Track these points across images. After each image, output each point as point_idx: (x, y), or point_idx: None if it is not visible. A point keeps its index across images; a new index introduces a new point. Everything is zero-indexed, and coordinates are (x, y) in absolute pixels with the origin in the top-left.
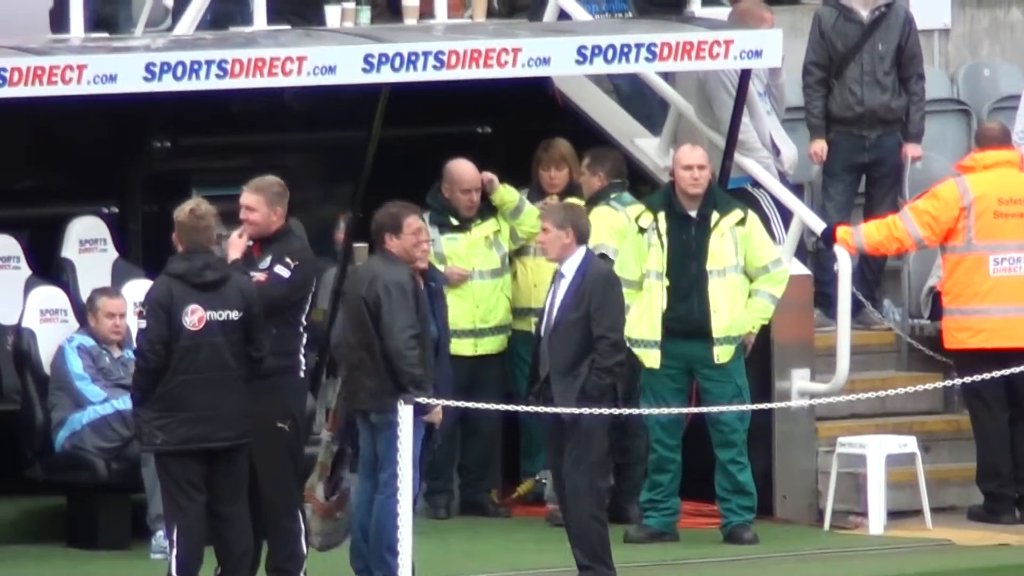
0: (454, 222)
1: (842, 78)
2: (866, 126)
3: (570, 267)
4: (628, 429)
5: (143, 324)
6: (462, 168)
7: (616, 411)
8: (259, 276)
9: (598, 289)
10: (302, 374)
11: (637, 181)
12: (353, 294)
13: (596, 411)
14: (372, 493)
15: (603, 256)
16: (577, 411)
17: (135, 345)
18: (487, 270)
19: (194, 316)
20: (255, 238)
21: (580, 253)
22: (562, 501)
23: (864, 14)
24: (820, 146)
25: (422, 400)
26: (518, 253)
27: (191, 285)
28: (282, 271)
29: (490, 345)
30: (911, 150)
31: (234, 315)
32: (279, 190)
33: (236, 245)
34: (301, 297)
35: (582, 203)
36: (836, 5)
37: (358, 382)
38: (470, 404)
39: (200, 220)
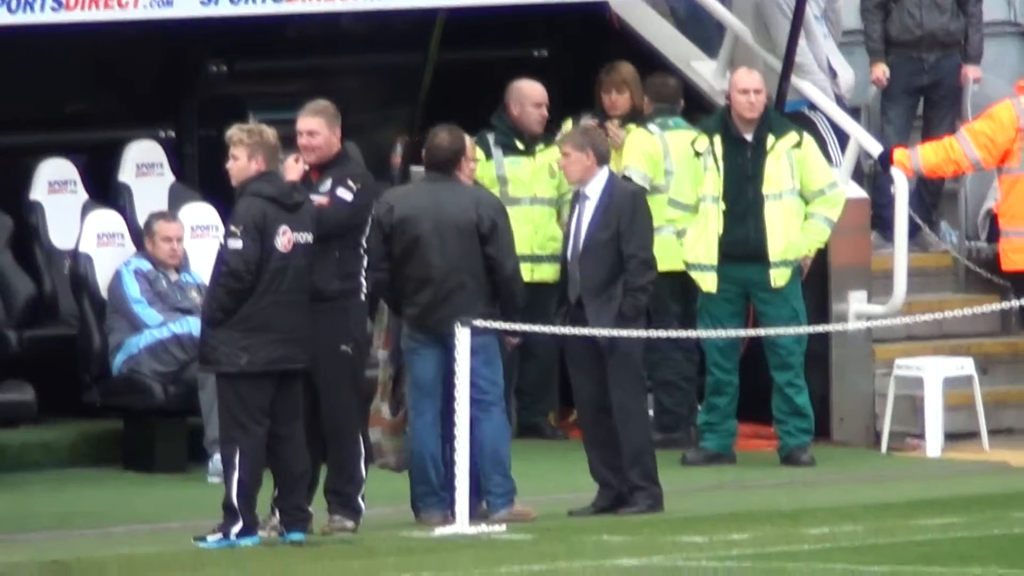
0: (519, 145)
1: (900, 1)
2: (925, 49)
3: (594, 188)
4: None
5: (238, 244)
6: (532, 84)
7: (677, 333)
8: (321, 199)
9: (627, 208)
10: (363, 297)
11: (693, 105)
12: (457, 217)
13: (650, 333)
14: (434, 415)
15: (626, 178)
16: (662, 333)
17: (223, 265)
18: (547, 197)
19: (284, 237)
20: (315, 163)
21: (603, 174)
22: (590, 422)
23: None
24: (882, 70)
25: (497, 325)
26: None
27: (282, 206)
28: (344, 194)
29: (547, 272)
30: (971, 71)
31: (310, 237)
32: (335, 112)
33: (294, 169)
34: (362, 220)
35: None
36: None
37: (452, 305)
38: (528, 327)
39: (273, 138)
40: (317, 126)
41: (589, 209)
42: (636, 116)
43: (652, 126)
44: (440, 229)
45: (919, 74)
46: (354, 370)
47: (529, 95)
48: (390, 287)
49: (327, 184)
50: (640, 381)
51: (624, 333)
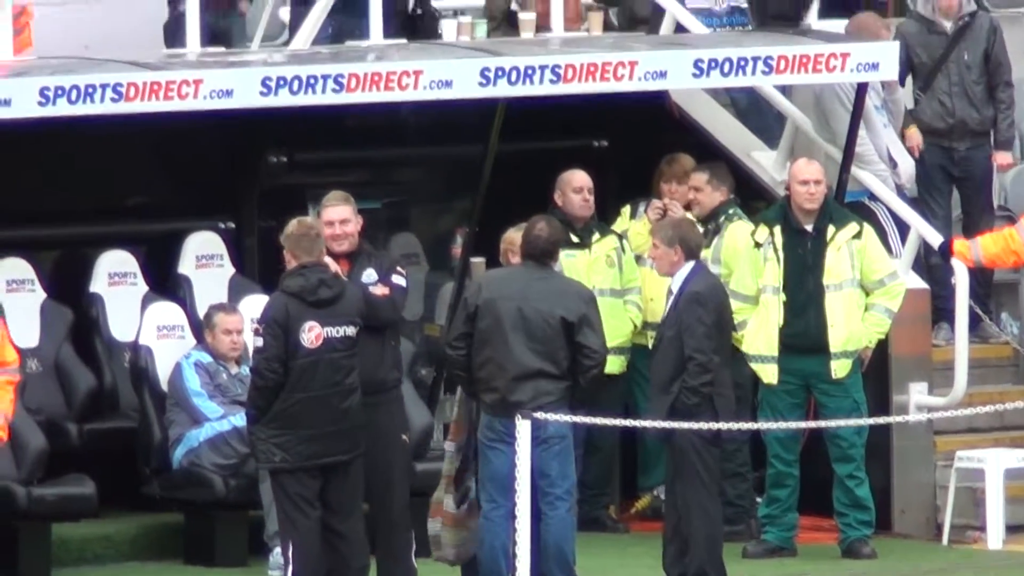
0: (573, 239)
1: (930, 90)
2: (956, 138)
3: (677, 283)
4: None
5: (259, 343)
6: (573, 171)
7: (739, 426)
8: (380, 290)
9: (685, 309)
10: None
11: (753, 195)
12: (544, 306)
13: (709, 425)
14: (509, 509)
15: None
16: (718, 426)
17: (251, 362)
18: (607, 288)
19: (311, 333)
20: (346, 252)
21: (687, 268)
22: (669, 516)
23: (948, 25)
24: (913, 130)
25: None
26: (636, 262)
27: (307, 303)
28: (400, 280)
29: (612, 365)
30: (1000, 158)
31: (350, 330)
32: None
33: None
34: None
35: (693, 217)
36: (919, 18)
37: (529, 393)
38: (591, 420)
39: (311, 230)
40: (349, 214)
41: (670, 304)
42: (693, 207)
43: (743, 218)
44: (525, 316)
45: (951, 164)
46: (410, 460)
47: (569, 181)
48: (465, 368)
49: (369, 273)
50: (698, 476)
51: (685, 425)
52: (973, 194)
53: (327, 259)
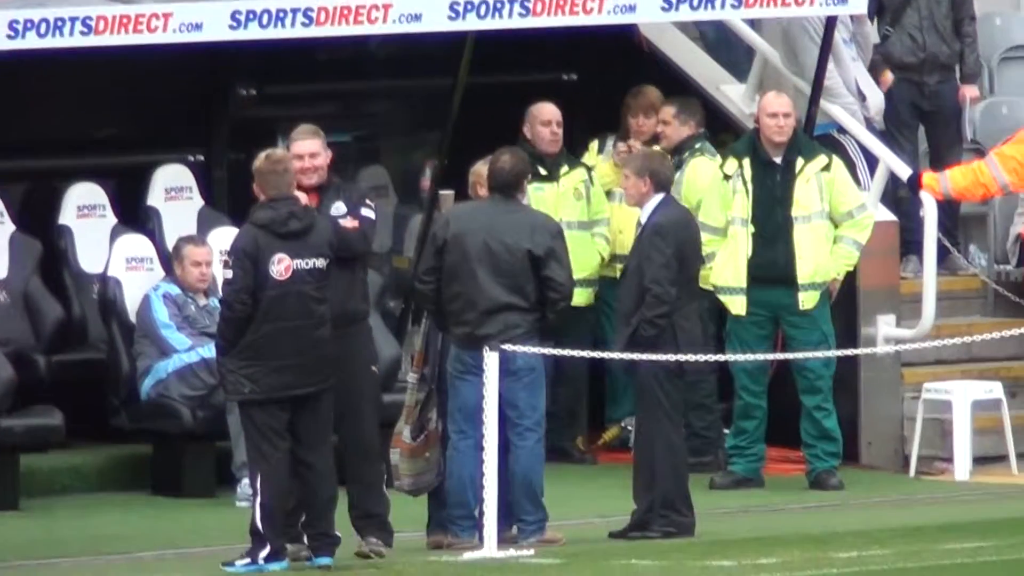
0: (541, 171)
1: (900, 25)
2: (927, 72)
3: (645, 215)
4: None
5: (228, 274)
6: (542, 104)
7: (706, 357)
8: (350, 223)
9: (645, 240)
10: None
11: (722, 128)
12: (511, 240)
13: (679, 357)
14: (477, 440)
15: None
16: (684, 357)
17: (220, 294)
18: (575, 221)
19: (280, 265)
20: (315, 185)
21: (655, 200)
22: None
23: None
24: (887, 76)
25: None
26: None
27: (276, 235)
28: (369, 213)
29: (579, 297)
30: (968, 91)
31: (320, 263)
32: (321, 131)
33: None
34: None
35: (660, 150)
36: None
37: (499, 326)
38: (560, 352)
39: (277, 164)
40: (317, 147)
41: (637, 235)
42: (660, 140)
43: (708, 153)
44: (492, 250)
45: (920, 98)
46: (379, 390)
47: (538, 114)
48: (434, 301)
49: (339, 206)
50: (661, 407)
51: (653, 357)
52: (941, 127)
53: (299, 193)
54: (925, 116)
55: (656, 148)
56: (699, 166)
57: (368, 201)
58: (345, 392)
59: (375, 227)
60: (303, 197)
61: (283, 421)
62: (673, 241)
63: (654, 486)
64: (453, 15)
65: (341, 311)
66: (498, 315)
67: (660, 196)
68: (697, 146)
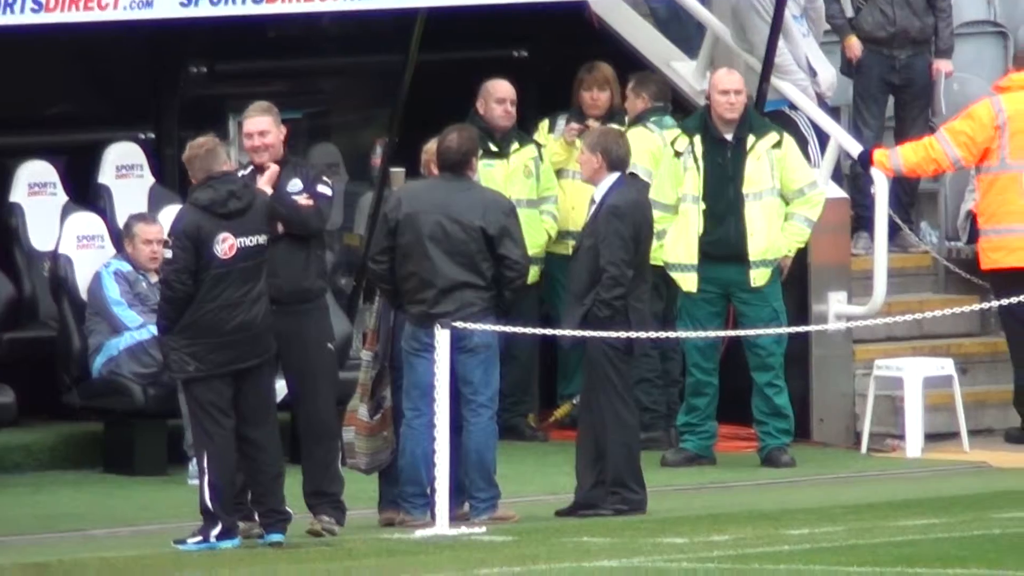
0: (492, 147)
1: None
2: (897, 46)
3: (599, 193)
4: (665, 353)
5: (169, 255)
6: (496, 81)
7: (656, 334)
8: (304, 201)
9: (603, 221)
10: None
11: (673, 105)
12: (464, 219)
13: (628, 334)
14: (431, 418)
15: (633, 175)
16: (635, 334)
17: (160, 275)
18: (524, 199)
19: (225, 244)
20: (266, 163)
21: (609, 180)
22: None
23: None
24: (853, 41)
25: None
26: (557, 175)
27: (218, 215)
28: (325, 190)
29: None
30: (942, 65)
31: (261, 239)
32: (276, 108)
33: (270, 182)
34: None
35: (622, 128)
36: None
37: (454, 305)
38: (507, 328)
39: (199, 148)
40: (268, 125)
41: (591, 213)
42: (614, 115)
43: (651, 124)
44: (446, 229)
45: (890, 72)
46: (336, 368)
47: (492, 91)
48: (389, 280)
49: (295, 183)
50: (612, 385)
51: (602, 334)
52: (910, 101)
53: (265, 182)
54: (896, 90)
55: (613, 126)
56: (636, 136)
57: (325, 178)
58: (301, 370)
59: (331, 204)
60: (271, 174)
61: (227, 398)
62: (631, 223)
63: (600, 463)
64: None
65: (296, 288)
66: (454, 293)
67: (615, 176)
68: (652, 119)
